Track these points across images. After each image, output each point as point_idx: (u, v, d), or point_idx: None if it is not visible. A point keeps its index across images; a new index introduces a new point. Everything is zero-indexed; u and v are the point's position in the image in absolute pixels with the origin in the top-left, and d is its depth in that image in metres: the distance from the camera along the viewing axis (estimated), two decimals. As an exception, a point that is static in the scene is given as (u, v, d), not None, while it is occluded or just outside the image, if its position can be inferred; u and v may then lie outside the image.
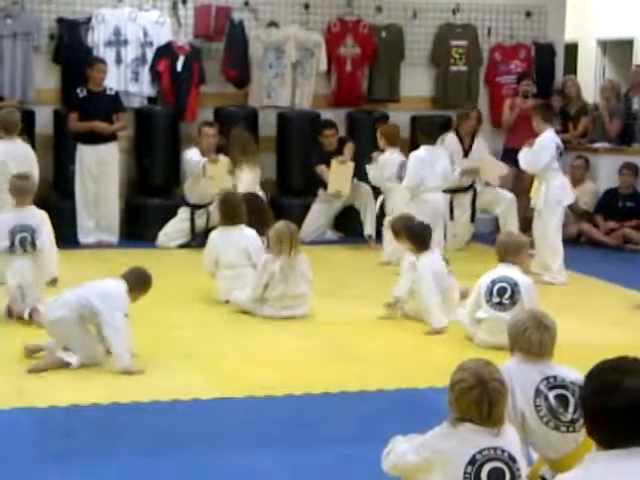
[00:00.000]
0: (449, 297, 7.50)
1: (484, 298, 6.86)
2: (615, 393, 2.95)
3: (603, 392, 2.97)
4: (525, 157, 9.26)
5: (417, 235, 7.59)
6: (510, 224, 10.32)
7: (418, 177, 9.24)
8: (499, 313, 6.70)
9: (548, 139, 9.18)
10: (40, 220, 7.36)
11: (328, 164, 10.71)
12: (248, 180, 10.16)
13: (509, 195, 10.55)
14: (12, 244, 7.23)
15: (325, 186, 10.77)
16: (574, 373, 4.41)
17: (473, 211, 10.74)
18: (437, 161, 9.38)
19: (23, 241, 7.25)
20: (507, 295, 6.78)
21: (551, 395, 4.36)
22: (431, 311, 7.32)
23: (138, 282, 6.31)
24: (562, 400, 4.36)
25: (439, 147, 9.73)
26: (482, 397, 3.70)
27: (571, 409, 4.35)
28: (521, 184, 10.92)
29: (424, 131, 9.68)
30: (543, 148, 9.12)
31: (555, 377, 4.40)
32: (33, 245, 7.26)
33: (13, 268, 7.20)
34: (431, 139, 9.53)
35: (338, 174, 10.63)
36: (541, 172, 9.17)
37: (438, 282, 7.40)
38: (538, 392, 4.37)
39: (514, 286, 6.78)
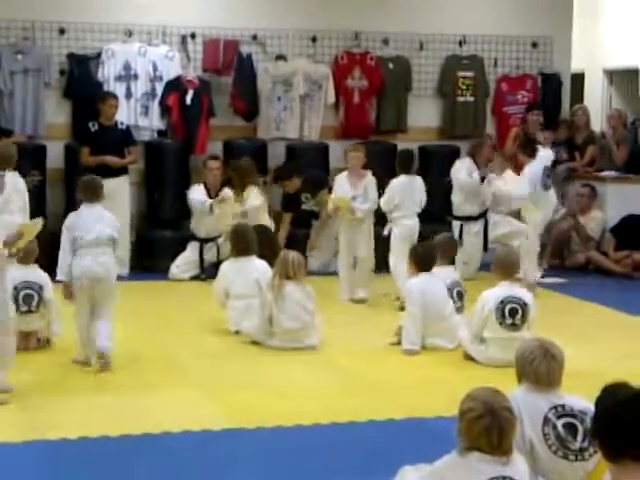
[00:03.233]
0: (448, 323, 7.57)
1: (495, 320, 6.99)
2: None
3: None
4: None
5: (418, 256, 7.71)
6: (529, 257, 10.10)
7: (395, 201, 9.29)
8: (513, 333, 6.91)
9: (529, 170, 10.01)
10: (45, 278, 7.43)
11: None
12: (256, 202, 10.23)
13: (524, 227, 10.50)
14: (16, 301, 7.16)
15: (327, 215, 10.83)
16: (582, 402, 4.43)
17: (485, 240, 10.76)
18: (415, 189, 9.45)
19: (27, 299, 7.31)
20: (519, 316, 7.04)
21: (559, 424, 4.37)
22: (404, 331, 7.47)
23: None
24: (571, 429, 4.37)
25: (416, 177, 9.73)
26: (492, 426, 3.71)
27: (580, 437, 4.36)
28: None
29: (402, 161, 9.77)
30: (526, 178, 9.93)
31: (563, 406, 4.41)
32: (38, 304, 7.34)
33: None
34: (409, 169, 9.66)
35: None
36: (532, 198, 9.91)
37: (431, 305, 7.46)
38: (546, 421, 4.37)
39: (524, 306, 7.03)
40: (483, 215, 10.78)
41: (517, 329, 7.01)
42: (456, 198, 10.79)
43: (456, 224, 10.64)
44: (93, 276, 6.81)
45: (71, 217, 7.05)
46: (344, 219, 9.43)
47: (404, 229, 9.25)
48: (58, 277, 6.94)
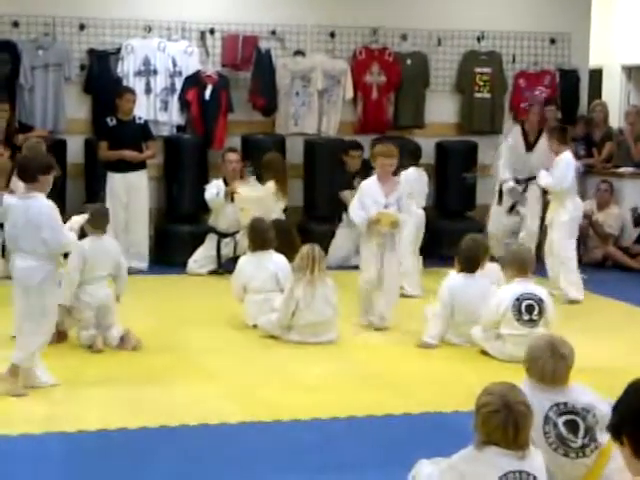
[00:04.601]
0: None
1: (513, 316, 7.05)
2: None
3: None
4: (549, 176, 9.40)
5: (463, 255, 7.70)
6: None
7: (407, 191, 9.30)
8: (530, 329, 6.97)
9: (569, 159, 9.42)
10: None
11: (350, 186, 10.80)
12: (259, 193, 10.26)
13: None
14: None
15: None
16: (587, 396, 4.44)
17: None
18: (421, 181, 9.83)
19: None
20: (536, 312, 7.11)
21: (560, 421, 4.38)
22: (427, 324, 7.60)
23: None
24: (572, 426, 4.38)
25: (423, 170, 10.00)
26: (508, 420, 3.73)
27: (581, 434, 4.38)
28: None
29: (412, 154, 10.02)
30: (567, 168, 9.32)
31: (565, 403, 4.41)
32: None
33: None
34: (417, 161, 9.97)
35: None
36: (564, 191, 9.33)
37: (459, 305, 7.49)
38: (547, 419, 4.38)
39: (540, 302, 7.09)
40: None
41: (535, 325, 7.06)
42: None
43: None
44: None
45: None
46: (374, 234, 8.12)
47: (416, 219, 9.50)
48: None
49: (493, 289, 7.48)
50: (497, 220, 10.85)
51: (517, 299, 7.10)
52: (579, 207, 9.54)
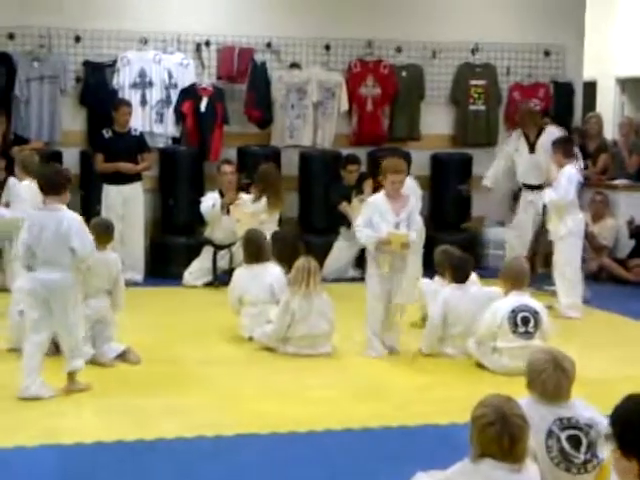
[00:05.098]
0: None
1: (509, 328, 7.07)
2: None
3: None
4: (553, 192, 9.40)
5: (453, 266, 7.81)
6: None
7: None
8: (526, 342, 6.98)
9: (572, 173, 9.39)
10: None
11: (348, 199, 10.85)
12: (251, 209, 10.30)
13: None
14: None
15: (347, 224, 10.87)
16: (589, 411, 4.44)
17: None
18: (416, 190, 9.60)
19: None
20: (531, 324, 7.11)
21: (563, 436, 4.36)
22: (423, 334, 7.71)
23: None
24: (575, 441, 4.37)
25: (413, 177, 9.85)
26: (503, 432, 3.72)
27: (583, 450, 4.37)
28: None
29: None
30: (569, 181, 9.30)
31: (569, 418, 4.40)
32: None
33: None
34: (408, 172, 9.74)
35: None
36: (567, 205, 9.32)
37: (451, 316, 7.55)
38: (550, 433, 4.36)
39: (535, 314, 7.11)
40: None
41: (530, 337, 7.07)
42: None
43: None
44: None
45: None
46: (383, 256, 7.66)
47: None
48: None
49: (486, 296, 7.54)
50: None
51: (512, 311, 7.12)
52: (580, 221, 9.52)
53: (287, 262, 8.13)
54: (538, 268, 10.54)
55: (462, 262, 7.84)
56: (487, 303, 7.40)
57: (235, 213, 10.36)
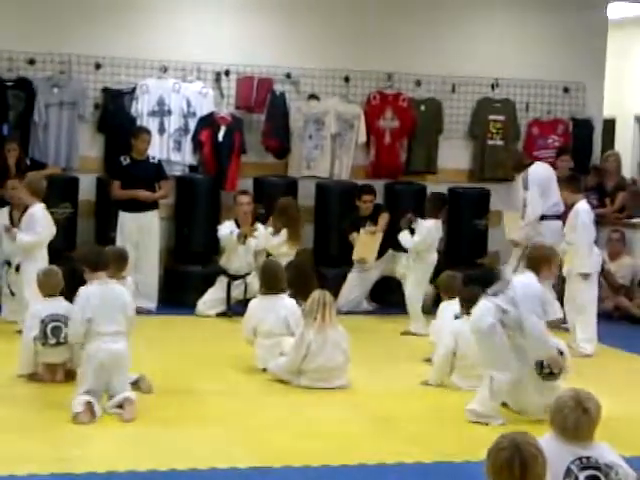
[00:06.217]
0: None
1: (534, 369, 6.92)
2: None
3: None
4: (572, 232, 9.35)
5: (464, 299, 7.78)
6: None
7: (427, 242, 9.83)
8: (549, 382, 6.82)
9: (586, 209, 9.40)
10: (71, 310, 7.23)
11: (359, 229, 10.87)
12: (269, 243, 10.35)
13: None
14: (44, 334, 7.28)
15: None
16: (611, 455, 4.35)
17: None
18: (439, 231, 9.97)
19: (55, 331, 7.29)
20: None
21: (582, 476, 4.25)
22: (433, 367, 7.75)
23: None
24: None
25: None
26: (513, 459, 3.63)
27: None
28: None
29: (435, 204, 10.08)
30: (585, 223, 9.31)
31: (589, 458, 4.28)
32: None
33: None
34: (440, 212, 10.01)
35: (365, 243, 10.83)
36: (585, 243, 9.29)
37: (461, 348, 7.54)
38: (569, 472, 4.25)
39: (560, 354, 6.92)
40: None
41: (554, 378, 6.91)
42: None
43: None
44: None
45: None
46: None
47: (430, 266, 9.86)
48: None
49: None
50: None
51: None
52: (598, 257, 9.49)
53: (301, 291, 8.10)
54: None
55: (472, 294, 7.80)
56: None
57: (252, 243, 10.36)
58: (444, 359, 7.63)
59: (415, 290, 9.88)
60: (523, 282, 6.80)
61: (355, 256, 10.86)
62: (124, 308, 6.73)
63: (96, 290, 6.68)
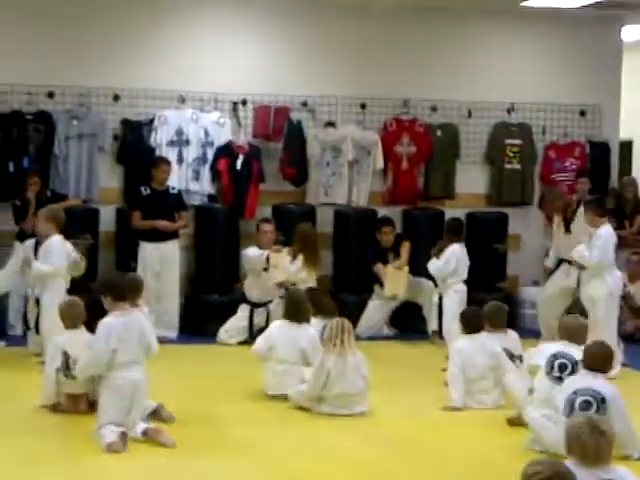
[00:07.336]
0: (486, 386, 7.80)
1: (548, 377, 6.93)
2: None
3: None
4: (586, 250, 9.33)
5: (465, 319, 8.10)
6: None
7: (451, 267, 10.09)
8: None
9: (609, 233, 9.41)
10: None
11: (384, 261, 10.90)
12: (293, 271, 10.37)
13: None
14: (66, 366, 7.30)
15: (381, 284, 10.92)
16: (632, 478, 4.37)
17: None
18: (463, 255, 10.21)
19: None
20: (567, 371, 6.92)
21: None
22: (449, 389, 7.80)
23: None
24: None
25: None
26: None
27: None
28: None
29: (454, 229, 10.38)
30: (607, 242, 9.32)
31: None
32: None
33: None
34: (460, 236, 10.30)
35: (394, 279, 10.89)
36: (604, 266, 9.29)
37: (469, 367, 7.75)
38: None
39: (575, 364, 6.88)
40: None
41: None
42: None
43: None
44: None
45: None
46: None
47: (461, 294, 10.05)
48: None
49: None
50: None
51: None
52: (619, 281, 9.47)
53: (323, 310, 8.33)
54: None
55: (473, 314, 8.10)
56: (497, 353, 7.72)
57: (273, 259, 10.42)
58: (455, 376, 7.77)
59: (452, 324, 9.43)
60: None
61: (387, 293, 10.91)
62: (146, 337, 6.81)
63: (119, 320, 6.74)
